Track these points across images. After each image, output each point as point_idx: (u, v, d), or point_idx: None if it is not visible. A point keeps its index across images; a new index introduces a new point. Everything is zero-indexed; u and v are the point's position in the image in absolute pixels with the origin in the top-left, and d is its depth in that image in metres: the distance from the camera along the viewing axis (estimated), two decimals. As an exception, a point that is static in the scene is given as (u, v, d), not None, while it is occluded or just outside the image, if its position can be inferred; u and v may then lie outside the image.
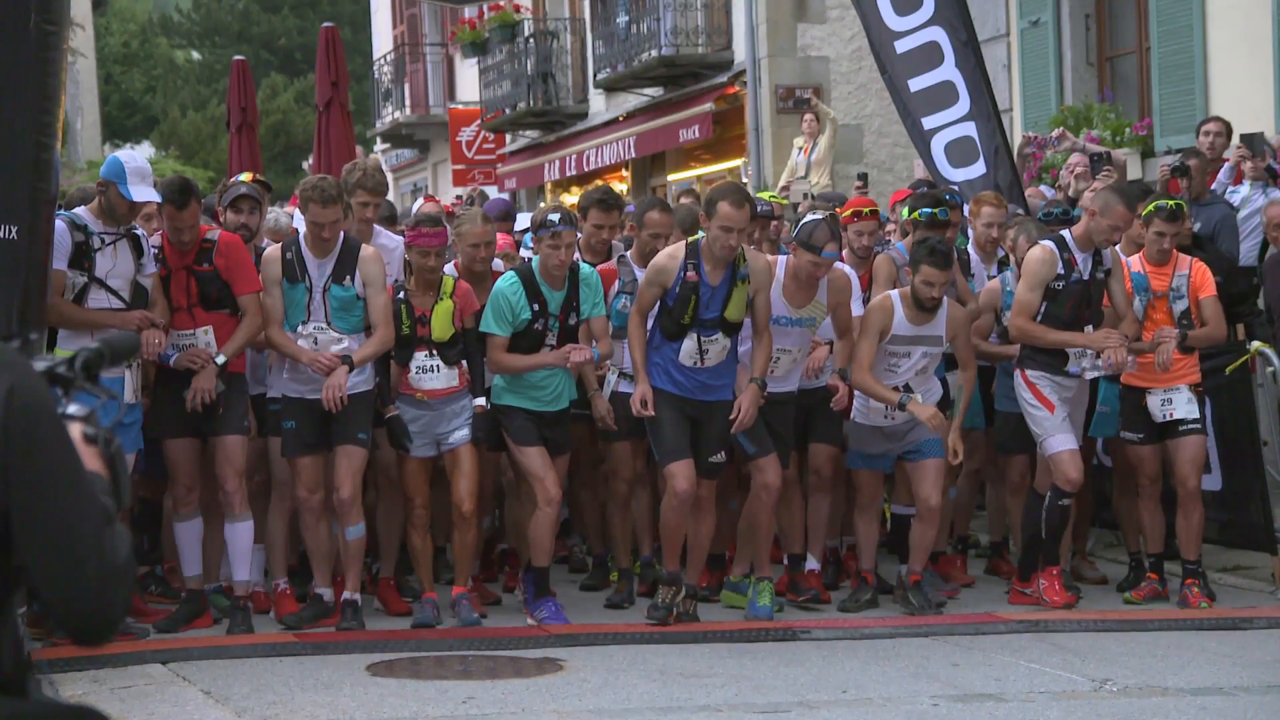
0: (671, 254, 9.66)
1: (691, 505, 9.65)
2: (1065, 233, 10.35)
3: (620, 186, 28.72)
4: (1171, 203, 10.58)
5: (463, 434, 9.82)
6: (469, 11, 32.35)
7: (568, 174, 29.71)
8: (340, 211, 9.68)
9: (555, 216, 9.83)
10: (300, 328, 9.66)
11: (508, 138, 33.00)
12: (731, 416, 9.57)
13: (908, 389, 10.06)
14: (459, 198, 26.15)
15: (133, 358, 8.63)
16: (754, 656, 9.11)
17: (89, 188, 11.32)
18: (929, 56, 13.05)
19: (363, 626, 9.65)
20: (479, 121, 32.79)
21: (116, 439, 3.05)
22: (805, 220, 10.01)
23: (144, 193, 9.28)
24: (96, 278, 9.28)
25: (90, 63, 48.49)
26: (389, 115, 37.74)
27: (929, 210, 10.70)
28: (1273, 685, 8.58)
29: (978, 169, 12.88)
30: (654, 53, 25.53)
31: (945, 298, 10.13)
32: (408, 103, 37.39)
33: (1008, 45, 19.09)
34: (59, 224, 9.17)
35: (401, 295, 9.85)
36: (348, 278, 9.64)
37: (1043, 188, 14.99)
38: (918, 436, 10.21)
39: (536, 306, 9.88)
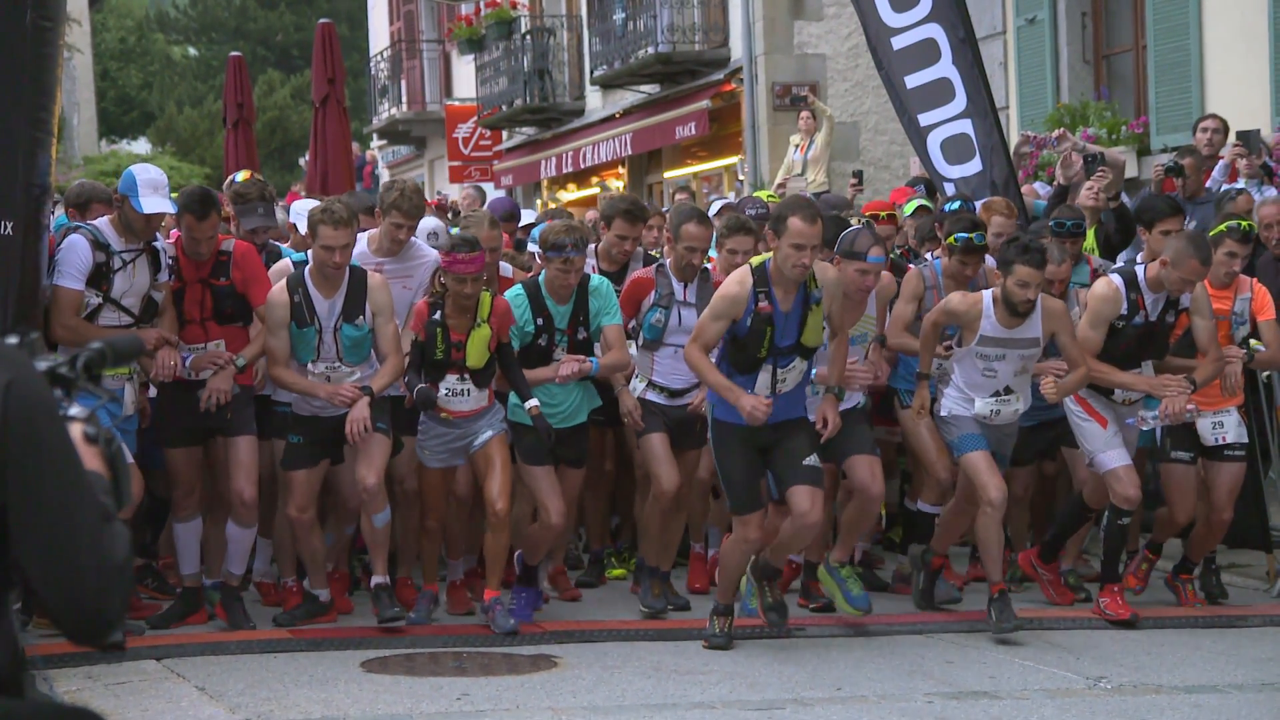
0: (740, 281, 8.93)
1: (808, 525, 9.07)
2: (1138, 269, 9.95)
3: (616, 184, 28.74)
4: (1244, 224, 10.24)
5: (489, 433, 9.55)
6: (466, 8, 32.36)
7: (564, 171, 29.71)
8: (352, 235, 9.40)
9: (568, 240, 9.58)
10: (310, 366, 9.44)
11: (504, 134, 32.99)
12: (819, 428, 9.11)
13: (1008, 390, 9.69)
14: (440, 194, 26.18)
15: (136, 359, 8.57)
16: (748, 653, 9.11)
17: (88, 184, 11.27)
18: (926, 53, 13.03)
19: (404, 610, 9.54)
20: (475, 118, 32.78)
21: (117, 439, 3.04)
22: (844, 233, 9.73)
23: (156, 204, 9.12)
24: (111, 298, 9.18)
25: (87, 59, 48.50)
26: (385, 112, 37.73)
27: (964, 235, 10.32)
28: (1267, 683, 8.60)
29: (974, 166, 12.85)
30: (650, 50, 25.52)
31: (1040, 295, 9.63)
32: (404, 99, 37.40)
33: (1004, 43, 19.09)
34: (82, 240, 9.08)
35: (437, 317, 9.46)
36: (360, 316, 9.41)
37: (1036, 185, 14.97)
38: (1005, 450, 9.90)
39: (540, 321, 9.71)
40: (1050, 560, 10.56)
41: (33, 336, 3.04)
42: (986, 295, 9.68)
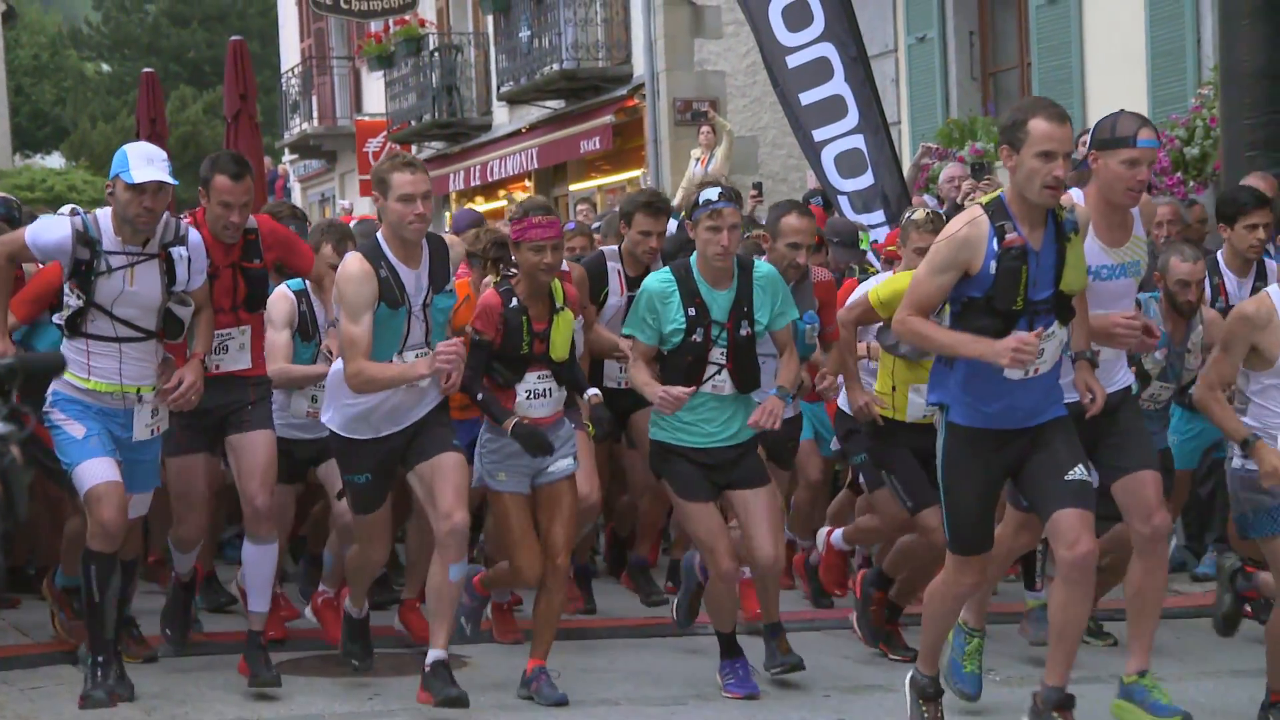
0: (970, 220, 6.59)
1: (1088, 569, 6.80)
2: None
3: (523, 196, 28.95)
4: None
5: (566, 463, 8.12)
6: (375, 25, 32.49)
7: (472, 184, 29.93)
8: (430, 182, 7.91)
9: (714, 193, 7.81)
10: (396, 358, 7.73)
11: (414, 148, 33.09)
12: (1085, 402, 6.80)
13: None
14: (345, 209, 26.29)
15: (57, 376, 7.36)
16: (653, 651, 9.22)
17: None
18: (819, 71, 13.32)
19: (464, 692, 7.96)
20: (385, 133, 32.86)
21: (10, 454, 3.03)
22: (1099, 120, 7.15)
23: (148, 173, 7.67)
24: (95, 303, 7.70)
25: (0, 74, 48.13)
26: (297, 127, 37.75)
27: None
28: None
29: (866, 179, 13.17)
30: (555, 66, 25.78)
31: None
32: (315, 114, 37.41)
33: (896, 60, 19.40)
34: (66, 228, 7.71)
35: (515, 304, 7.97)
36: (449, 282, 7.90)
37: (926, 197, 15.30)
38: None
39: (693, 312, 7.83)
40: None
41: None
42: (1274, 291, 7.26)
